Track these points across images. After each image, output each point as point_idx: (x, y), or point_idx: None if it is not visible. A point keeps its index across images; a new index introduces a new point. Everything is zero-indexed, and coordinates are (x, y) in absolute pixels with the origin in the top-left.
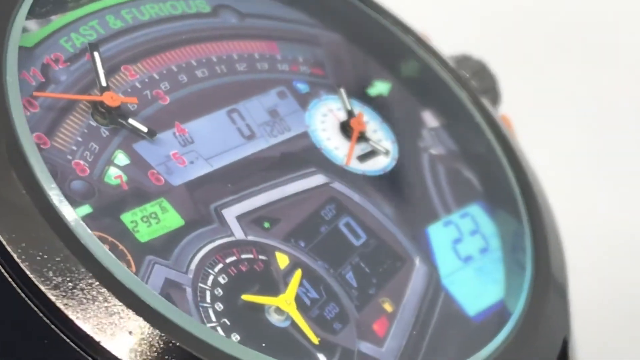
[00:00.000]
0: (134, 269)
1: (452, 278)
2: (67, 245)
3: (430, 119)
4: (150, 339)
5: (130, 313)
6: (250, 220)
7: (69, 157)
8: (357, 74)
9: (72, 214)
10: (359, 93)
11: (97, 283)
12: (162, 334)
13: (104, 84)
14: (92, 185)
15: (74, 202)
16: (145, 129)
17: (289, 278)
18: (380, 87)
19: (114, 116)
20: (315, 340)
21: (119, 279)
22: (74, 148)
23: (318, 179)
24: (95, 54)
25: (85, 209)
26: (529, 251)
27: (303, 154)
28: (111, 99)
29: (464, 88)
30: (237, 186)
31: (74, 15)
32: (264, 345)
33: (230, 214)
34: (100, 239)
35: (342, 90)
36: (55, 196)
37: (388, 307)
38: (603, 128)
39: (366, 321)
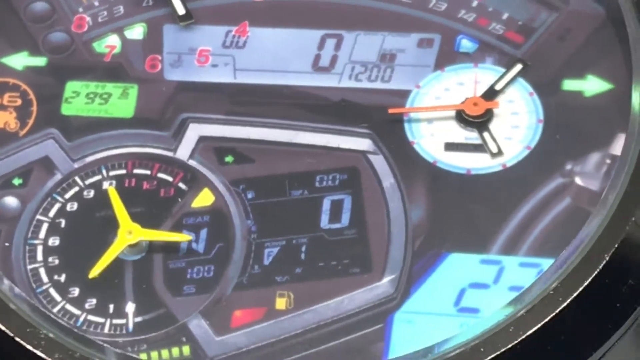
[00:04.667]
0: (23, 132)
1: (414, 317)
2: None
3: (619, 147)
4: None
5: None
6: (214, 146)
7: (80, 9)
8: (573, 58)
9: None
10: (550, 80)
11: None
12: None
13: None
14: (72, 43)
15: (37, 51)
16: (181, 11)
17: (190, 220)
18: (588, 85)
19: None
20: (91, 274)
21: None
22: (96, 4)
23: (359, 144)
24: None
25: (39, 61)
26: None
27: (372, 111)
28: None
29: None
30: (239, 109)
31: None
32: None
33: (197, 131)
34: (22, 92)
35: (518, 66)
36: None
37: (281, 303)
38: None
39: (233, 303)
